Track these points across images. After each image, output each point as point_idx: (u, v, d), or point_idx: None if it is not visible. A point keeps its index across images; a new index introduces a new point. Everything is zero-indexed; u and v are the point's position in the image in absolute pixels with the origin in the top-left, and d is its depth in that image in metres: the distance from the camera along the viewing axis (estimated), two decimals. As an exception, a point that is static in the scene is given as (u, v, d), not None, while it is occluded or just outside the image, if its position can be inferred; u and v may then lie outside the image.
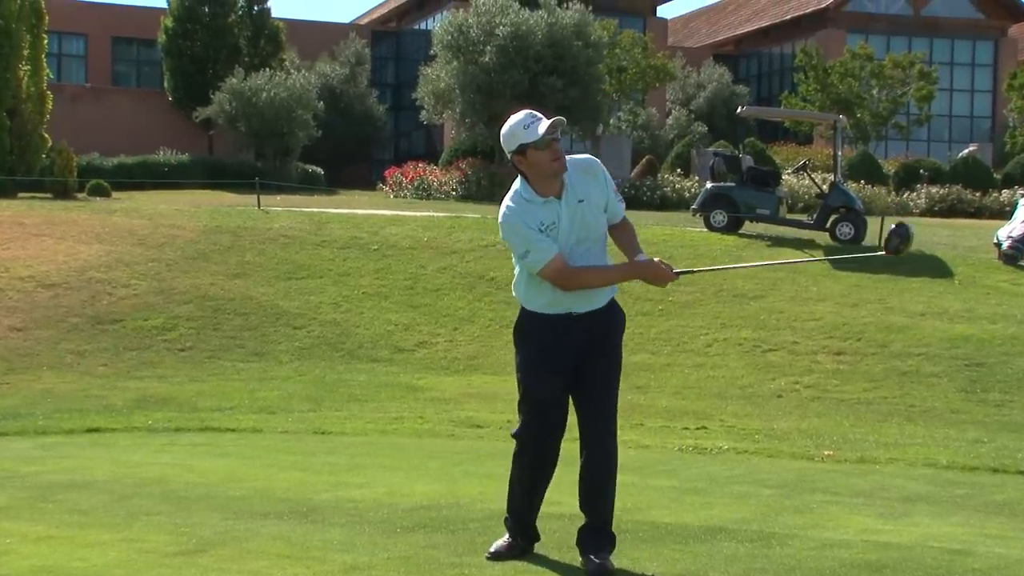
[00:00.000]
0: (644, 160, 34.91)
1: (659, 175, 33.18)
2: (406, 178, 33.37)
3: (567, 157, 4.63)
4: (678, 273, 4.60)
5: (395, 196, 32.86)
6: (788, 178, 29.60)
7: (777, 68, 54.41)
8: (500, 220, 4.66)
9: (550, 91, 31.36)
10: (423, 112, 34.47)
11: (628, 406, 12.20)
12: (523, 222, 4.59)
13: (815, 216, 21.78)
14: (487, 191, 30.27)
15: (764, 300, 17.51)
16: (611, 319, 4.81)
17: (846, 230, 21.07)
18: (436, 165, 35.07)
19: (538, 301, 4.76)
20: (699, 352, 15.55)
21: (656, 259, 4.65)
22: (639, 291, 17.90)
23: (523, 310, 4.86)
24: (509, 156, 4.65)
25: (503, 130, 4.59)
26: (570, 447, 4.89)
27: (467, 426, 10.35)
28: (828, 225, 21.40)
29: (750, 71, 55.75)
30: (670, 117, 47.53)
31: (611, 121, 40.58)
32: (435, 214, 23.87)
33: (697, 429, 11.02)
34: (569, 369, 4.74)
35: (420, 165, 34.64)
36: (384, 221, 22.39)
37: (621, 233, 4.83)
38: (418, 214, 23.65)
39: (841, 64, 39.37)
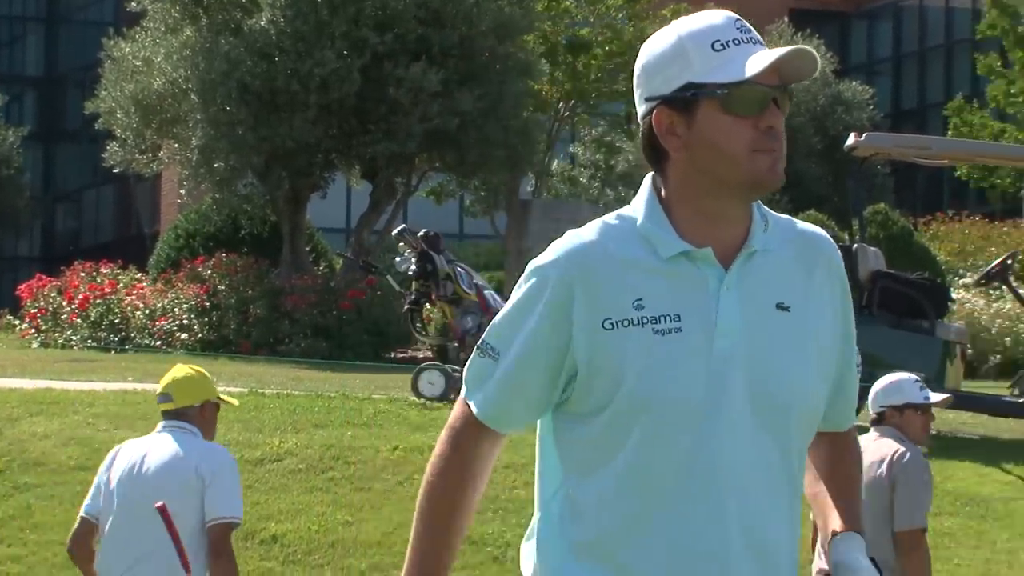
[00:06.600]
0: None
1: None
2: (69, 301, 30.23)
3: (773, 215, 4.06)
4: None
5: (42, 343, 30.42)
6: (966, 297, 28.44)
7: (939, 44, 54.03)
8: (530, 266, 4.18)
9: (411, 94, 28.45)
10: (112, 147, 31.59)
11: None
12: (566, 285, 3.82)
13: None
14: (266, 328, 27.22)
15: None
16: None
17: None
18: (143, 271, 33.03)
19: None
20: None
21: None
22: None
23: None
24: (642, 116, 3.94)
25: (650, 44, 3.89)
26: None
27: None
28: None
29: (876, 46, 55.92)
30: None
31: (554, 165, 42.22)
32: (143, 386, 20.24)
33: None
34: None
35: (106, 270, 31.67)
36: (18, 404, 20.19)
37: (835, 464, 4.12)
38: (107, 385, 21.22)
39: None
